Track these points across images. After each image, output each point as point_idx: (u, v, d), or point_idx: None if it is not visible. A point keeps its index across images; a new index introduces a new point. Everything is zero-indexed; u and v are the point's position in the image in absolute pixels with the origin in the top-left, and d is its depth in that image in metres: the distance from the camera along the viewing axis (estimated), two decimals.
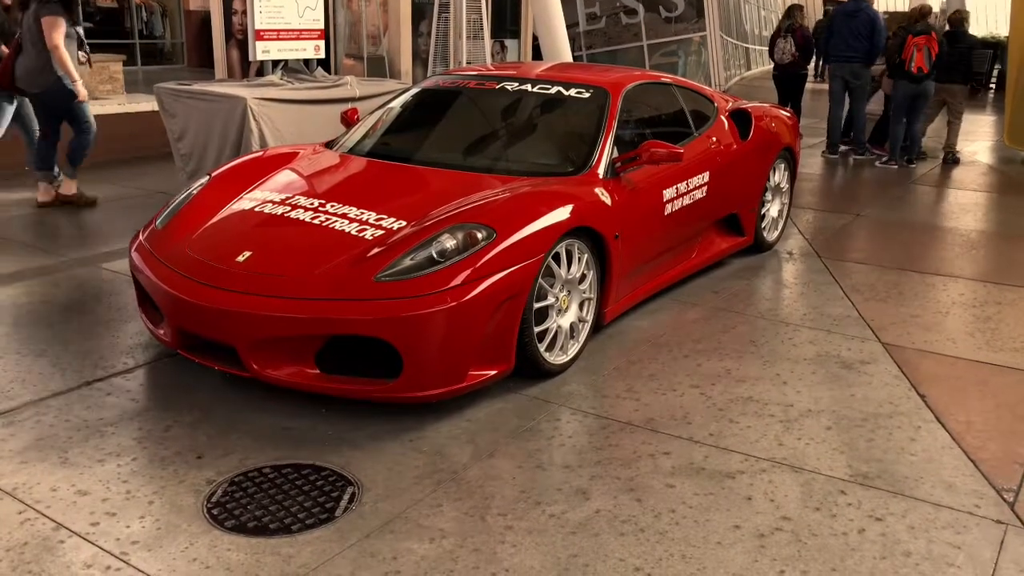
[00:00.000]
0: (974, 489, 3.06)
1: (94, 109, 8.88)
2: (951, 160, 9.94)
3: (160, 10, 20.00)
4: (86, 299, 4.71)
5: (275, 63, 6.66)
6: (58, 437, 3.27)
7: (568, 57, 8.58)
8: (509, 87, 4.81)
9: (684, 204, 4.76)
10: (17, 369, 3.83)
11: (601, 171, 4.26)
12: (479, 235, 3.50)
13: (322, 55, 6.84)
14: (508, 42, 14.27)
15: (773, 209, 6.00)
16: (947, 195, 8.59)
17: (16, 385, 3.68)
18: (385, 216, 3.74)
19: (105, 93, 9.72)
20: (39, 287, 4.88)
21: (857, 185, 8.88)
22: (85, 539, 2.68)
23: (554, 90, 4.71)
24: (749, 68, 23.76)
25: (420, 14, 11.48)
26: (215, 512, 2.85)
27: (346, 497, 2.96)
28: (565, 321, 3.90)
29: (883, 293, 5.21)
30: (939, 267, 5.82)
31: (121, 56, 10.28)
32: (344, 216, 3.77)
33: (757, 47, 25.49)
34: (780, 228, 6.16)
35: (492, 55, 13.45)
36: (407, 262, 3.41)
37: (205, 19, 15.47)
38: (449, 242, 3.46)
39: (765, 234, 5.92)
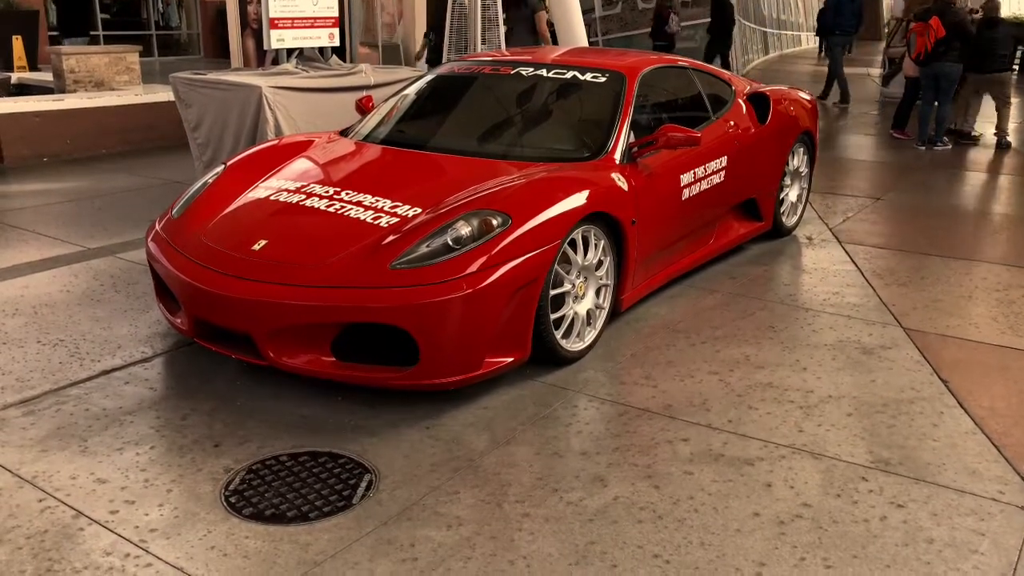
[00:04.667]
0: (998, 475, 3.02)
1: (110, 100, 8.95)
2: (1004, 145, 9.72)
3: (176, 1, 20.06)
4: (104, 289, 4.73)
5: (289, 51, 6.64)
6: (78, 426, 3.29)
7: (584, 43, 8.50)
8: (524, 72, 4.77)
9: (702, 189, 4.72)
10: (37, 358, 3.85)
11: (618, 156, 4.22)
12: (494, 222, 3.48)
13: (336, 43, 6.81)
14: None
15: (792, 194, 5.94)
16: (970, 178, 8.48)
17: (36, 374, 3.70)
18: (400, 203, 3.72)
19: (122, 84, 9.76)
20: (58, 277, 4.91)
21: (878, 169, 8.78)
22: (104, 527, 2.69)
23: (569, 75, 4.67)
24: (767, 52, 23.56)
25: (435, 1, 11.41)
26: (233, 500, 2.85)
27: (363, 484, 2.96)
28: (582, 308, 3.87)
29: (904, 278, 5.15)
30: (961, 251, 5.74)
31: (137, 47, 10.31)
32: (359, 204, 3.75)
33: (775, 31, 25.29)
34: (799, 213, 6.09)
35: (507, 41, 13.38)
36: (422, 249, 3.39)
37: (220, 9, 15.48)
38: (464, 229, 3.44)
39: (784, 219, 5.86)
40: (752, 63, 20.14)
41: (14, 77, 10.80)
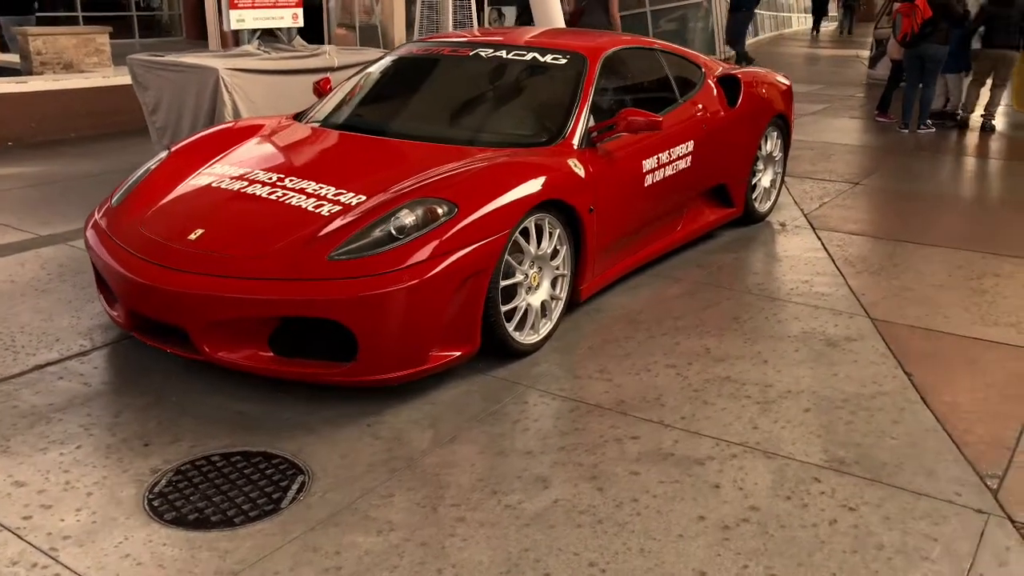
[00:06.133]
0: (956, 476, 2.90)
1: (76, 83, 8.75)
2: (988, 128, 9.55)
3: None
4: (51, 278, 4.58)
5: (251, 32, 6.45)
6: (2, 424, 3.15)
7: (560, 23, 8.31)
8: (483, 54, 4.60)
9: (666, 175, 4.57)
10: None
11: (576, 141, 4.07)
12: (439, 210, 3.33)
13: (300, 24, 6.62)
14: (506, 9, 13.97)
15: (765, 179, 5.79)
16: (953, 162, 8.35)
17: None
18: (344, 191, 3.57)
19: (91, 66, 9.54)
20: (4, 266, 4.75)
21: (860, 152, 8.63)
22: (15, 534, 2.55)
23: (529, 57, 4.50)
24: (756, 34, 23.33)
25: None
26: (156, 504, 2.72)
27: (295, 487, 2.83)
28: (536, 299, 3.73)
29: (876, 265, 5.02)
30: (938, 238, 5.61)
31: (107, 28, 10.06)
32: (302, 191, 3.60)
33: (766, 12, 25.05)
34: (773, 198, 5.95)
35: (490, 22, 13.18)
36: (363, 240, 3.25)
37: None
38: (408, 218, 3.30)
39: (757, 205, 5.72)
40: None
41: None
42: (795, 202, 6.41)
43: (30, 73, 9.22)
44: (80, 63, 9.53)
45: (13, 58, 9.95)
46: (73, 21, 17.05)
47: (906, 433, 3.17)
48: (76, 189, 6.52)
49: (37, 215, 5.77)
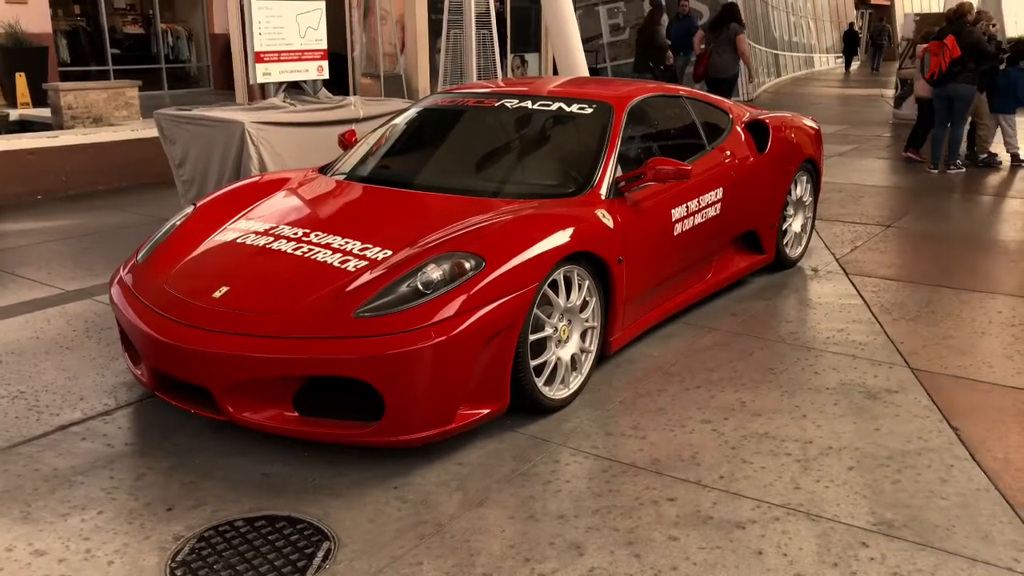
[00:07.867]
0: (1012, 539, 2.75)
1: (105, 136, 8.86)
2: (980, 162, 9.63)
3: (186, 34, 20.15)
4: (76, 335, 4.55)
5: (277, 85, 6.50)
6: (23, 489, 3.09)
7: (584, 72, 8.34)
8: (508, 105, 4.57)
9: (695, 223, 4.49)
10: None
11: (603, 191, 4.01)
12: (467, 264, 3.27)
13: (325, 76, 6.67)
14: (529, 56, 14.09)
15: (796, 224, 5.70)
16: (986, 203, 8.20)
17: None
18: (371, 245, 3.53)
19: (120, 119, 9.68)
20: (30, 323, 4.74)
21: (890, 194, 8.52)
22: None
23: (555, 107, 4.47)
24: (779, 75, 23.38)
25: (437, 32, 11.36)
26: (178, 573, 2.64)
27: (320, 554, 2.74)
28: (566, 353, 3.65)
29: (914, 312, 4.89)
30: (976, 282, 5.47)
31: (137, 82, 10.23)
32: (327, 246, 3.56)
33: (788, 53, 25.13)
34: (804, 243, 5.85)
35: (512, 70, 13.29)
36: (389, 296, 3.19)
37: (229, 42, 15.49)
38: (435, 273, 3.24)
39: (788, 250, 5.62)
40: (763, 86, 19.94)
41: (14, 114, 10.74)
42: (826, 246, 6.30)
43: (61, 127, 9.37)
44: (110, 116, 9.68)
45: (45, 112, 10.10)
46: (104, 75, 17.40)
47: (956, 493, 3.02)
48: (102, 243, 6.55)
49: (64, 270, 5.78)
